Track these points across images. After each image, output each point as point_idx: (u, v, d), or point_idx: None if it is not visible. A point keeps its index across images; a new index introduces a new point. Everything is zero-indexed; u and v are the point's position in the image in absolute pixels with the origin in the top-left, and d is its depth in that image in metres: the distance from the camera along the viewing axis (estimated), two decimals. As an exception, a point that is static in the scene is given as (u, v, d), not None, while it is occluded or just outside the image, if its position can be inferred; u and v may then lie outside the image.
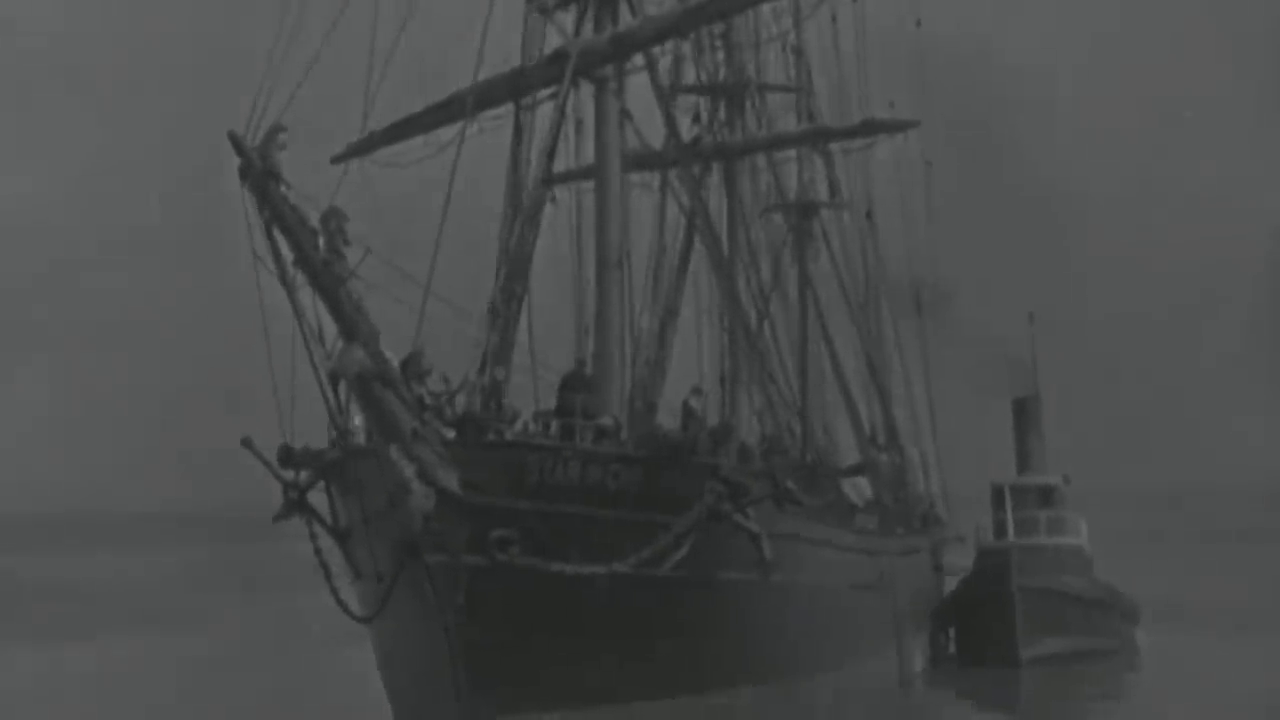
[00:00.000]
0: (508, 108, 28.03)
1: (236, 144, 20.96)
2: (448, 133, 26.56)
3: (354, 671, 27.35)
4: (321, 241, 21.13)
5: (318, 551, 24.51)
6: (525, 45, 28.23)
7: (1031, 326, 44.67)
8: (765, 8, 35.97)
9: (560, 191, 29.89)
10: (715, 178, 36.50)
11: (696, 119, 37.38)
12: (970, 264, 48.27)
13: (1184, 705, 33.63)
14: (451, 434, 22.61)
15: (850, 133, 39.68)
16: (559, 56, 27.47)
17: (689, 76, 36.79)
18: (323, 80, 22.64)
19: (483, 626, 22.51)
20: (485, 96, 27.06)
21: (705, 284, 35.02)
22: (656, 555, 23.94)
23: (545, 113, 27.95)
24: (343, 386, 21.83)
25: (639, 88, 29.51)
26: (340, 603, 23.84)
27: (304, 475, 24.17)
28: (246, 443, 23.48)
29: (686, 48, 35.55)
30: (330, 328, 21.44)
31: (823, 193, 42.35)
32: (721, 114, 37.68)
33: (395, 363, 21.90)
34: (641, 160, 31.04)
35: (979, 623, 39.04)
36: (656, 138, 30.93)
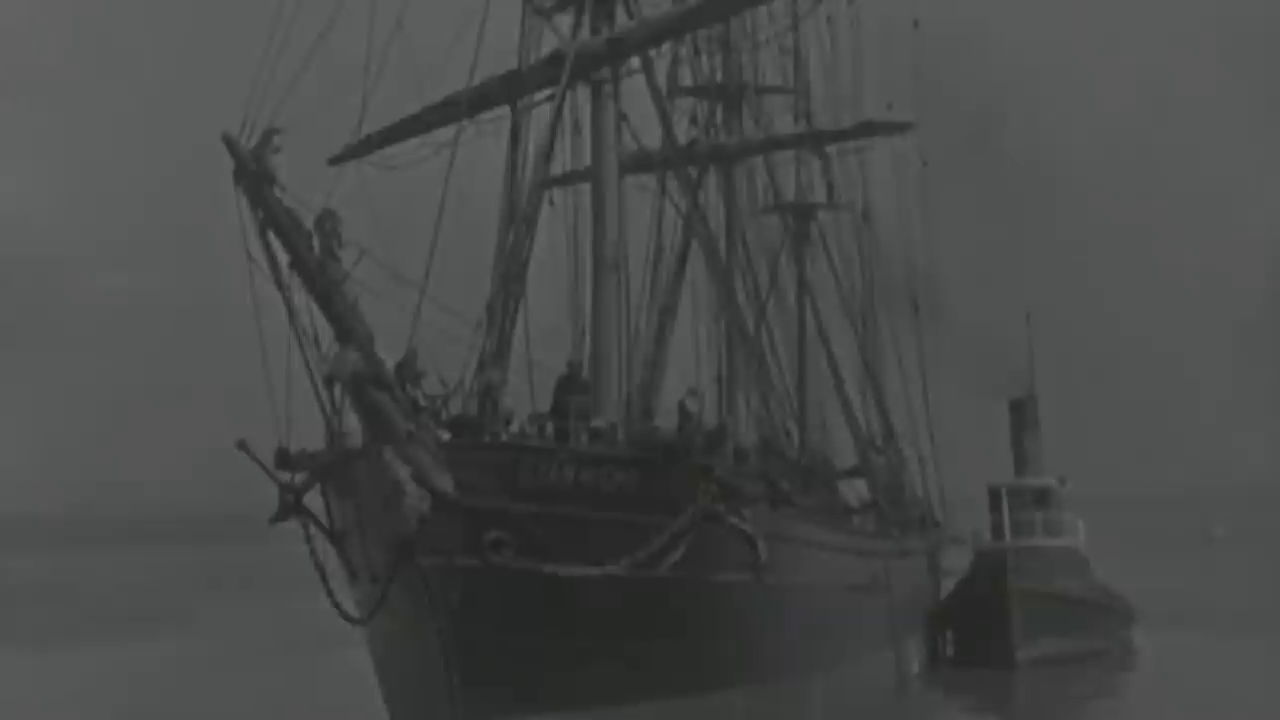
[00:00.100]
0: (504, 110, 28.00)
1: (231, 147, 20.97)
2: (444, 134, 26.48)
3: (350, 673, 27.35)
4: (316, 244, 21.13)
5: (314, 553, 24.45)
6: (522, 47, 28.20)
7: (1029, 327, 44.83)
8: (762, 9, 35.95)
9: (557, 194, 29.87)
10: (712, 180, 36.48)
11: (694, 121, 37.40)
12: (968, 264, 48.34)
13: (1178, 706, 33.75)
14: (446, 436, 22.63)
15: (846, 135, 39.71)
16: (555, 58, 27.46)
17: (686, 79, 36.80)
18: (319, 82, 22.65)
19: (477, 628, 22.50)
20: (481, 98, 27.02)
21: (703, 286, 35.05)
22: (651, 557, 23.87)
23: (542, 115, 27.93)
24: (338, 389, 21.82)
25: (636, 90, 29.49)
26: (336, 605, 23.78)
27: (300, 477, 24.11)
28: (242, 445, 23.44)
29: (683, 50, 35.52)
30: (325, 330, 21.45)
31: (820, 194, 42.39)
32: (719, 116, 37.70)
33: (390, 365, 21.90)
34: (638, 162, 30.99)
35: (975, 624, 39.19)
36: (654, 140, 30.90)
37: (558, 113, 27.48)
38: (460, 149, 25.20)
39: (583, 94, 28.62)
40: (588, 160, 28.90)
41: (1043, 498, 42.50)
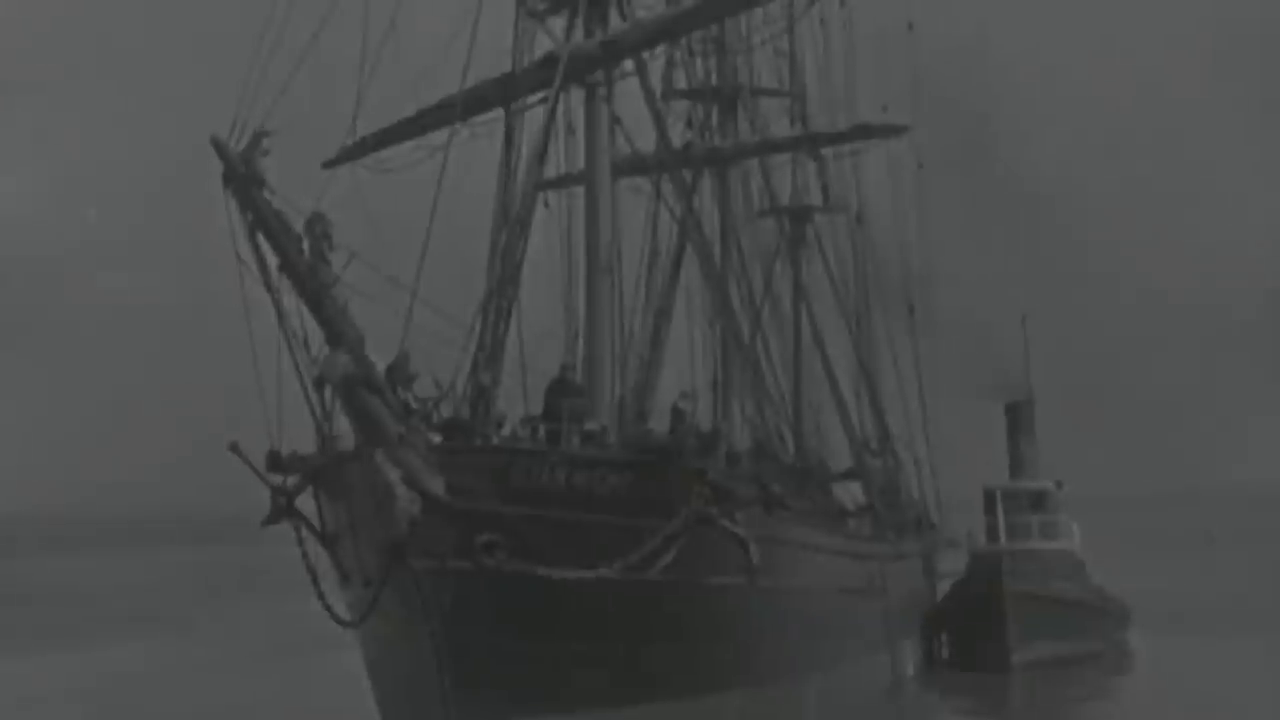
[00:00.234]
0: (498, 112, 27.97)
1: (219, 149, 20.98)
2: (439, 137, 26.43)
3: (343, 676, 27.34)
4: (306, 246, 21.13)
5: (305, 556, 24.44)
6: (516, 49, 28.17)
7: (1025, 329, 44.81)
8: (757, 11, 35.93)
9: (552, 196, 29.89)
10: (707, 183, 36.45)
11: (689, 124, 37.36)
12: (963, 266, 48.32)
13: (1174, 708, 33.74)
14: (438, 439, 22.62)
15: (842, 137, 39.68)
16: (549, 61, 27.43)
17: (681, 81, 36.76)
18: (311, 83, 22.63)
19: (469, 631, 22.49)
20: (475, 101, 26.98)
21: (698, 289, 35.04)
22: (643, 560, 23.86)
23: (536, 117, 27.87)
24: (328, 391, 21.82)
25: (631, 93, 29.49)
26: (327, 607, 23.77)
27: (292, 480, 24.12)
28: (234, 448, 23.44)
29: (678, 53, 35.49)
30: (316, 333, 21.45)
31: (816, 197, 42.38)
32: (714, 119, 37.65)
33: (381, 368, 21.90)
34: (633, 165, 30.99)
35: (971, 627, 39.14)
36: (648, 143, 30.90)
37: (551, 115, 27.45)
38: (454, 151, 25.21)
39: (576, 96, 28.61)
40: (582, 163, 28.91)
41: (1038, 501, 42.48)
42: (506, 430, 24.59)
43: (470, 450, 23.08)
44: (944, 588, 42.99)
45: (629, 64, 29.03)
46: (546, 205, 29.43)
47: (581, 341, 28.31)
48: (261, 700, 34.93)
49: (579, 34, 27.97)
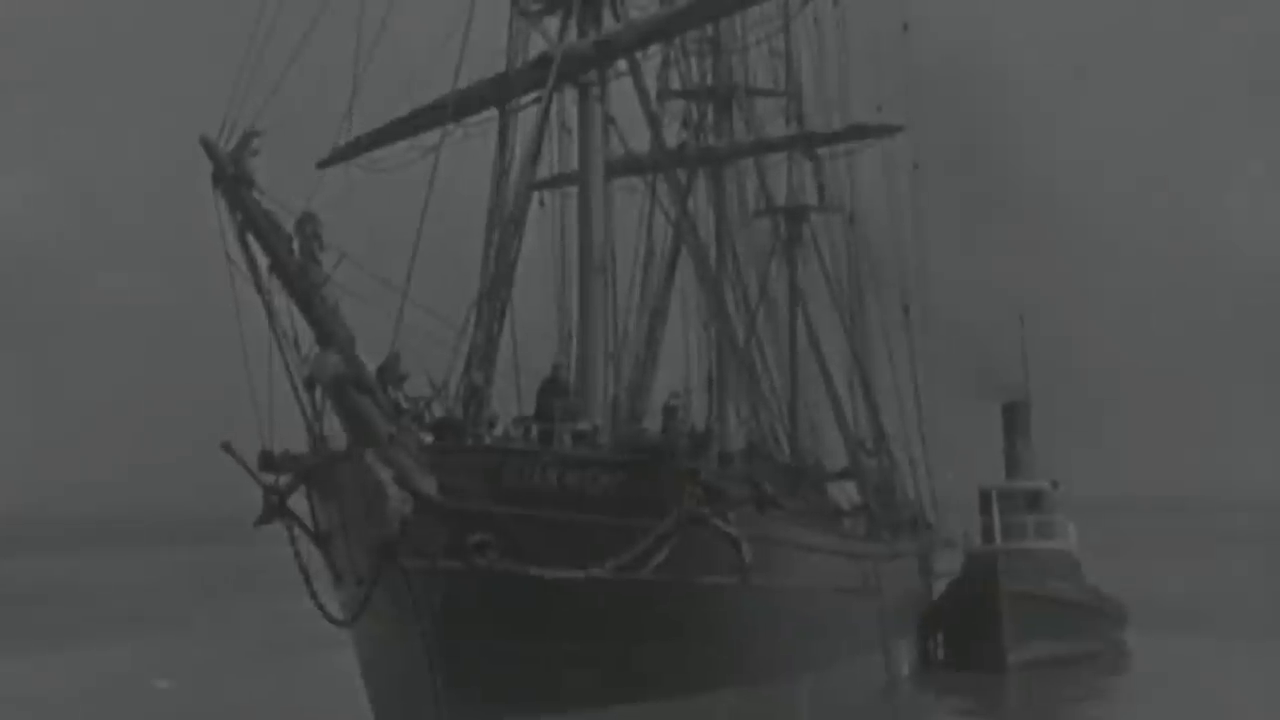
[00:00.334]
0: (492, 112, 27.97)
1: (208, 149, 20.97)
2: (432, 138, 26.45)
3: (336, 675, 27.36)
4: (296, 246, 21.11)
5: (298, 555, 24.46)
6: (510, 49, 28.18)
7: (1022, 329, 44.87)
8: (752, 11, 35.89)
9: (546, 196, 29.91)
10: (702, 184, 36.42)
11: (685, 124, 37.34)
12: (959, 266, 48.35)
13: (1170, 708, 33.77)
14: (430, 439, 22.62)
15: (837, 137, 39.68)
16: (543, 61, 27.42)
17: (676, 81, 36.73)
18: (304, 83, 22.63)
19: (460, 631, 22.47)
20: (469, 101, 26.99)
21: (692, 290, 35.01)
22: (635, 559, 23.83)
23: (529, 117, 27.90)
24: (319, 391, 21.81)
25: (625, 92, 29.49)
26: (320, 607, 23.78)
27: (284, 480, 24.13)
28: (227, 447, 23.45)
29: (673, 53, 35.48)
30: (306, 333, 21.44)
31: (811, 197, 42.37)
32: (709, 118, 37.63)
33: (372, 368, 21.89)
34: (627, 165, 30.97)
35: (966, 627, 39.19)
36: (643, 142, 30.89)
37: (545, 115, 27.47)
38: (447, 151, 25.22)
39: (570, 96, 28.61)
40: (576, 163, 28.91)
41: (1034, 500, 42.56)
42: (499, 430, 24.57)
43: (462, 450, 23.05)
44: (940, 588, 43.03)
45: (623, 64, 29.03)
46: (542, 204, 29.50)
47: (574, 341, 28.31)
48: (256, 699, 34.96)
49: (572, 34, 27.95)
